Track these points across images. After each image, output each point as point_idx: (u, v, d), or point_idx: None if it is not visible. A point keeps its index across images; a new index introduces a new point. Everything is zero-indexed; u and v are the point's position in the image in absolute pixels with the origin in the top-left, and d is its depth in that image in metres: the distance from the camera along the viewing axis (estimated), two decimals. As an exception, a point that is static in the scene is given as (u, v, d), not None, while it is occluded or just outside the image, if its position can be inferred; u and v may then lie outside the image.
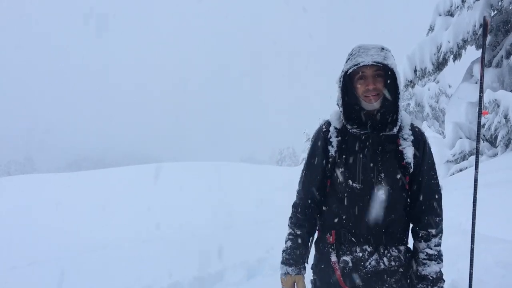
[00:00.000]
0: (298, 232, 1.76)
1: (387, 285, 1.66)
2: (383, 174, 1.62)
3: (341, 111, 1.69)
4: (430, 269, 1.65)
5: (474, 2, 10.57)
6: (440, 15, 11.71)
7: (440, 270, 1.66)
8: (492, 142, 11.01)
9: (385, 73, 1.59)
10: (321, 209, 1.80)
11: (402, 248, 1.69)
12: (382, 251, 1.65)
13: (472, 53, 11.88)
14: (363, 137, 1.65)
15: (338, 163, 1.68)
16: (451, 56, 11.30)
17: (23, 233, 6.51)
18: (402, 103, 1.67)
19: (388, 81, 1.61)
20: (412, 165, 1.64)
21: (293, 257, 1.74)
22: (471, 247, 2.49)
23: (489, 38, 11.21)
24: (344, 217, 1.68)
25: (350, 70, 1.59)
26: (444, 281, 1.67)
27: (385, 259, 1.65)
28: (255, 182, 10.87)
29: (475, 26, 10.41)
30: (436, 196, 1.70)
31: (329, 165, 1.70)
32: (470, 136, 11.81)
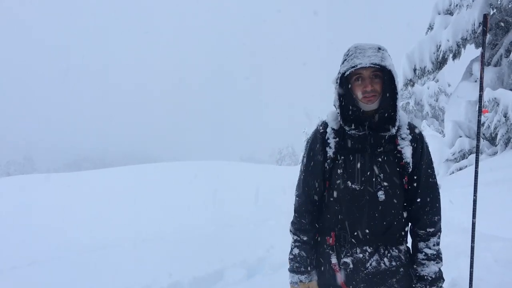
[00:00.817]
0: (305, 239, 1.75)
1: (388, 285, 1.66)
2: (382, 174, 1.61)
3: (338, 113, 1.67)
4: (429, 269, 1.65)
5: (473, 1, 10.56)
6: (439, 14, 11.70)
7: (439, 270, 1.66)
8: (492, 140, 11.01)
9: (382, 74, 1.58)
10: (320, 211, 1.79)
11: (402, 248, 1.69)
12: (382, 251, 1.65)
13: (471, 52, 11.87)
14: (361, 138, 1.64)
15: (337, 164, 1.66)
16: (451, 55, 11.29)
17: (23, 233, 6.50)
18: (400, 103, 1.66)
19: (386, 82, 1.59)
20: (410, 164, 1.64)
21: (304, 265, 1.73)
22: (471, 245, 2.49)
23: (488, 36, 11.20)
24: (343, 218, 1.67)
25: (348, 72, 1.57)
26: (443, 280, 1.67)
27: (385, 259, 1.64)
28: (255, 181, 10.86)
29: (474, 24, 10.41)
30: (435, 195, 1.70)
31: (327, 167, 1.69)
32: (469, 135, 11.81)
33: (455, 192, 6.22)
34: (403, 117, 1.69)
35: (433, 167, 1.73)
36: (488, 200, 5.05)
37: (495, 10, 10.85)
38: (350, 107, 1.64)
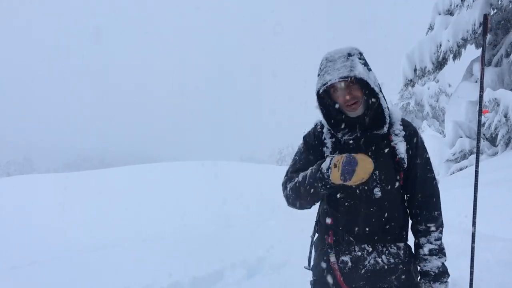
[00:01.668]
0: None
1: (387, 282, 1.66)
2: (377, 172, 1.61)
3: (328, 128, 1.67)
4: (432, 264, 1.64)
5: (473, 1, 10.56)
6: (439, 14, 11.70)
7: (443, 264, 1.65)
8: (492, 141, 11.01)
9: (358, 79, 1.54)
10: (318, 211, 1.80)
11: (401, 245, 1.69)
12: (380, 249, 1.65)
13: (472, 52, 11.87)
14: (355, 139, 1.64)
15: None
16: (451, 55, 11.29)
17: (23, 233, 6.50)
18: (393, 101, 1.65)
19: (365, 85, 1.56)
20: (405, 160, 1.63)
21: (316, 166, 1.57)
22: (471, 246, 2.48)
23: (489, 37, 11.20)
24: (341, 217, 1.67)
25: (321, 90, 1.57)
26: (448, 275, 1.65)
27: (384, 256, 1.65)
28: (255, 181, 10.86)
29: (474, 24, 10.40)
30: (433, 190, 1.69)
31: None
32: (470, 135, 11.81)
33: (455, 193, 6.21)
34: (396, 113, 1.68)
35: (430, 163, 1.72)
36: (488, 200, 5.05)
37: (495, 10, 10.84)
38: (339, 115, 1.64)
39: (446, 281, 1.64)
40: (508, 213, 4.89)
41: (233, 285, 4.20)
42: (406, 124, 1.69)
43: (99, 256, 5.24)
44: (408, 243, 1.75)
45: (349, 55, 1.56)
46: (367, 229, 1.64)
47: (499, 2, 10.45)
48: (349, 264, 1.65)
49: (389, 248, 1.66)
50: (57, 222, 7.05)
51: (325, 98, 1.64)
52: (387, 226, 1.66)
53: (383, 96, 1.60)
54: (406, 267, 1.68)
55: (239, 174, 12.64)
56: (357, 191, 1.62)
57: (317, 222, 1.83)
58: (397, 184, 1.65)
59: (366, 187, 1.61)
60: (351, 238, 1.66)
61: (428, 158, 1.72)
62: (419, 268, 1.69)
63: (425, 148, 1.72)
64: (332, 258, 1.68)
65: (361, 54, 1.59)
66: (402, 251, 1.67)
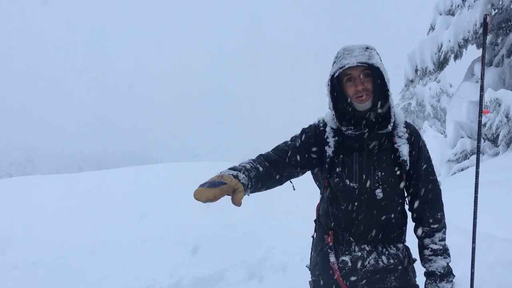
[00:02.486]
0: (259, 167, 1.59)
1: (387, 283, 1.66)
2: (379, 172, 1.61)
3: (333, 115, 1.67)
4: (437, 264, 1.64)
5: (474, 1, 10.56)
6: (440, 14, 11.70)
7: (448, 265, 1.66)
8: (494, 141, 10.99)
9: (372, 73, 1.57)
10: (317, 211, 1.80)
11: (400, 245, 1.69)
12: (380, 249, 1.66)
13: (473, 52, 11.88)
14: (358, 137, 1.64)
15: (335, 163, 1.66)
16: (452, 55, 11.28)
17: (24, 234, 6.51)
18: (394, 101, 1.66)
19: (378, 80, 1.59)
20: (408, 162, 1.64)
21: (237, 169, 1.56)
22: (472, 246, 2.48)
23: (489, 37, 11.19)
24: (341, 217, 1.67)
25: (337, 74, 1.57)
26: (453, 275, 1.66)
27: (383, 257, 1.65)
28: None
29: (475, 25, 10.39)
30: (436, 192, 1.70)
31: (326, 166, 1.69)
32: (471, 135, 11.80)
33: (456, 193, 6.21)
34: (399, 115, 1.69)
35: (432, 165, 1.73)
36: (489, 201, 5.04)
37: (496, 11, 10.83)
38: (345, 108, 1.64)
39: (451, 281, 1.64)
40: (509, 213, 4.88)
41: (234, 286, 4.20)
42: (409, 127, 1.70)
43: (100, 257, 5.25)
44: (406, 244, 1.76)
45: (367, 48, 1.58)
46: (367, 229, 1.64)
47: (500, 2, 10.44)
48: (349, 264, 1.66)
49: (389, 248, 1.66)
50: (58, 223, 7.05)
51: (335, 89, 1.63)
52: (388, 227, 1.66)
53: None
54: (404, 267, 1.68)
55: (240, 175, 12.60)
56: (359, 192, 1.62)
57: (316, 221, 1.84)
58: (398, 185, 1.66)
59: (368, 188, 1.62)
60: (351, 238, 1.66)
61: (430, 160, 1.73)
62: (424, 268, 1.69)
63: (427, 150, 1.73)
64: (332, 258, 1.68)
65: (377, 51, 1.62)
66: (401, 252, 1.68)
